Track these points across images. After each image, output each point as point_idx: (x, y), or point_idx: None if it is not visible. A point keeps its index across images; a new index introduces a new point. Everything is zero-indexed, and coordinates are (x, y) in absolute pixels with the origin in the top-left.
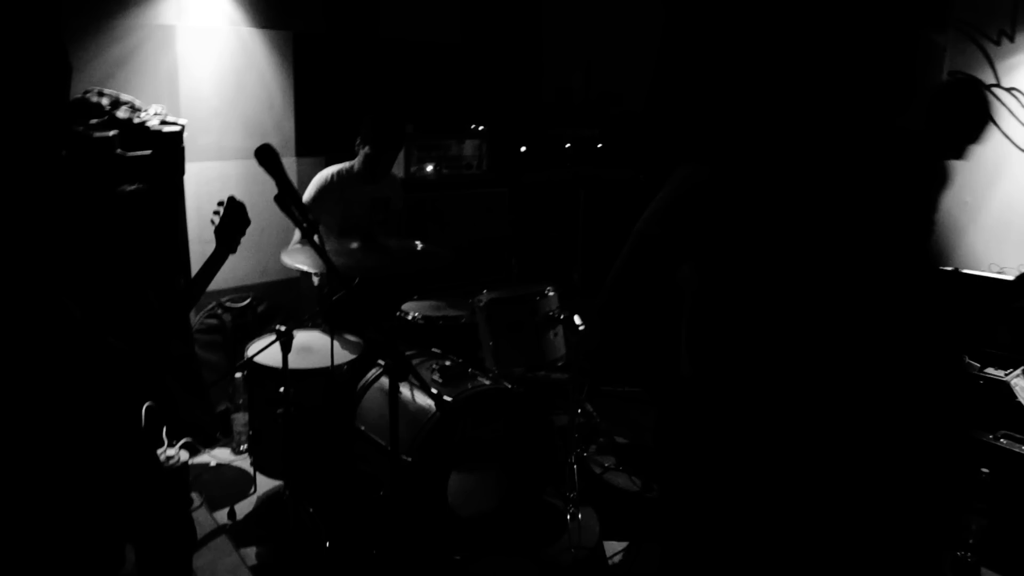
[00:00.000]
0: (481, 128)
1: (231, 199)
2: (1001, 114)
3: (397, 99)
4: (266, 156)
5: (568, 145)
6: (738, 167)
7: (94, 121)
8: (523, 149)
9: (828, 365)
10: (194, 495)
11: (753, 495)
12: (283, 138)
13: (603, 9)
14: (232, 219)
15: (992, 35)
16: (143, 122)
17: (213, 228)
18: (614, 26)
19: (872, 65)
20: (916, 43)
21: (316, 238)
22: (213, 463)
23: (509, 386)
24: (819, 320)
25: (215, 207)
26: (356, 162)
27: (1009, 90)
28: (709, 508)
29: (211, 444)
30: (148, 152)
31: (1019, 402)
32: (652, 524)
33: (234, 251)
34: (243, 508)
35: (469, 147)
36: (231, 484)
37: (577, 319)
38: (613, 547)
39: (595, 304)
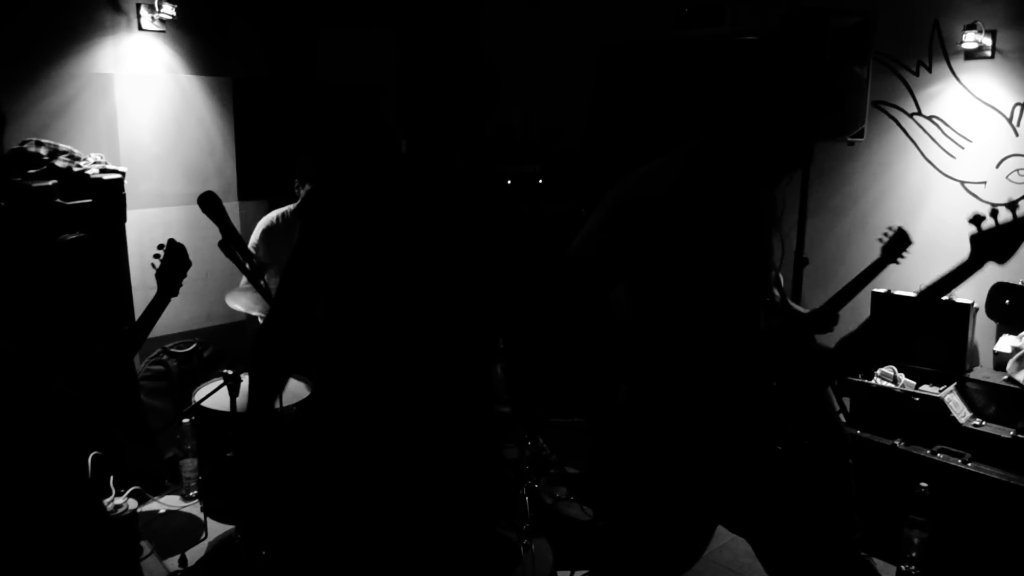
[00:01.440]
0: None
1: (171, 242)
2: (923, 141)
3: (337, 140)
4: (209, 203)
5: (509, 182)
6: (668, 188)
7: (32, 171)
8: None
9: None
10: (144, 543)
11: (689, 515)
12: (225, 182)
13: (540, 48)
14: (173, 262)
15: (911, 66)
16: (83, 170)
17: (155, 272)
18: (550, 63)
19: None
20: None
21: (262, 281)
22: (162, 510)
23: None
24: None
25: (155, 251)
26: (299, 203)
27: (930, 118)
28: (649, 526)
29: (160, 491)
30: (88, 200)
31: (953, 417)
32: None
33: (176, 294)
34: (194, 554)
35: None
36: (181, 531)
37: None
38: None
39: (527, 325)
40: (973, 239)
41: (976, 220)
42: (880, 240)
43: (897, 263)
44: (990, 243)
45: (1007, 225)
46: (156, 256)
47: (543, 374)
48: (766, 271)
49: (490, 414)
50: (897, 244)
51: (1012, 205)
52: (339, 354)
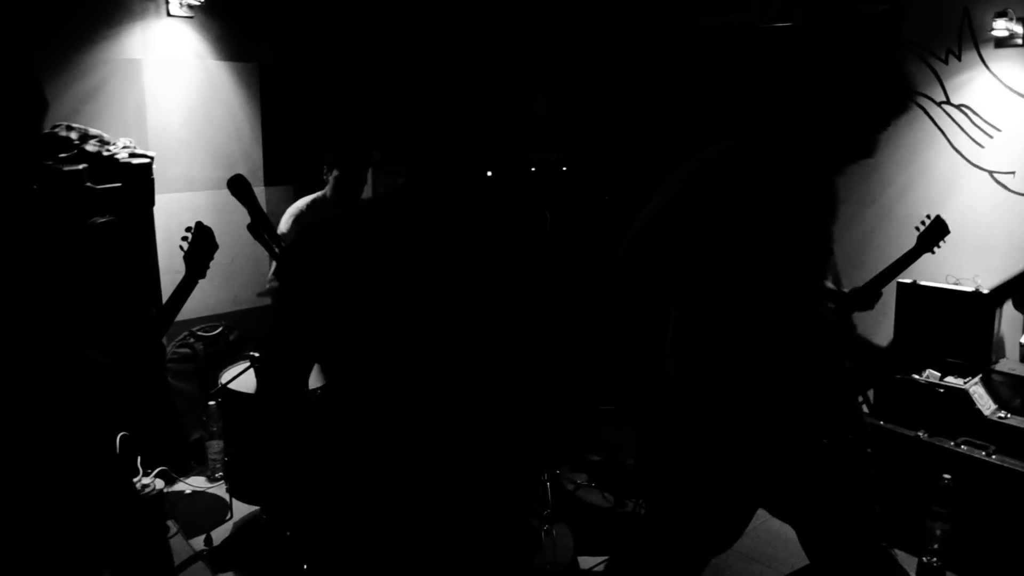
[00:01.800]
0: None
1: (199, 224)
2: (952, 130)
3: (362, 126)
4: (238, 186)
5: (533, 169)
6: (736, 170)
7: (63, 155)
8: (489, 174)
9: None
10: (170, 523)
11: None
12: (251, 168)
13: (564, 34)
14: (201, 244)
15: (940, 54)
16: (112, 155)
17: (183, 254)
18: (575, 50)
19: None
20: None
21: None
22: (188, 491)
23: None
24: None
25: (183, 233)
26: (327, 190)
27: (959, 107)
28: (695, 504)
29: (186, 472)
30: (118, 185)
31: (978, 409)
32: (633, 534)
33: (203, 276)
34: (220, 534)
35: None
36: (207, 511)
37: None
38: (588, 562)
39: (588, 305)
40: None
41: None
42: (917, 229)
43: (933, 252)
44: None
45: None
46: (184, 239)
47: (598, 358)
48: (825, 257)
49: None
50: (934, 233)
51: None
52: (354, 414)
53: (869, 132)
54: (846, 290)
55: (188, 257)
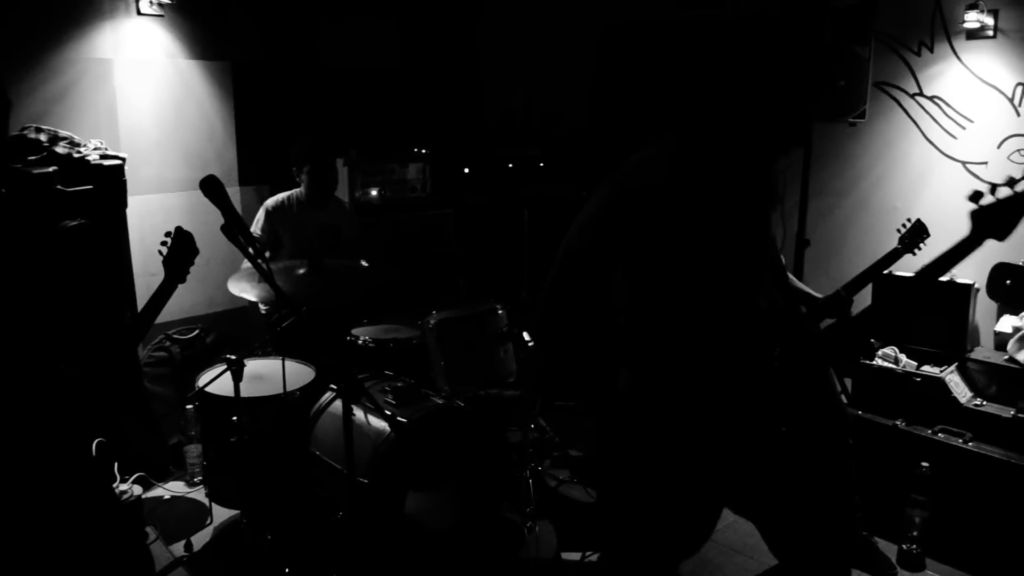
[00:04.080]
0: (424, 151)
1: (179, 229)
2: (925, 122)
3: (338, 125)
4: (211, 187)
5: (511, 165)
6: (663, 176)
7: (33, 158)
8: (467, 171)
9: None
10: (149, 529)
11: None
12: (225, 168)
13: (539, 29)
14: (180, 249)
15: (913, 46)
16: (83, 157)
17: (161, 259)
18: (551, 45)
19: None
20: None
21: (264, 265)
22: (167, 496)
23: (462, 404)
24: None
25: (163, 238)
26: (301, 189)
27: (932, 98)
28: (656, 510)
29: (164, 477)
30: (89, 187)
31: (954, 398)
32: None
33: (183, 281)
34: (200, 539)
35: (413, 170)
36: (187, 516)
37: (526, 335)
38: (571, 558)
39: (529, 322)
40: (973, 215)
41: (975, 197)
42: (898, 231)
43: (914, 254)
44: (989, 219)
45: (1006, 201)
46: (163, 243)
47: (555, 360)
48: (762, 251)
49: None
50: (915, 235)
51: (1011, 182)
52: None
53: (795, 123)
54: (819, 296)
55: (167, 262)
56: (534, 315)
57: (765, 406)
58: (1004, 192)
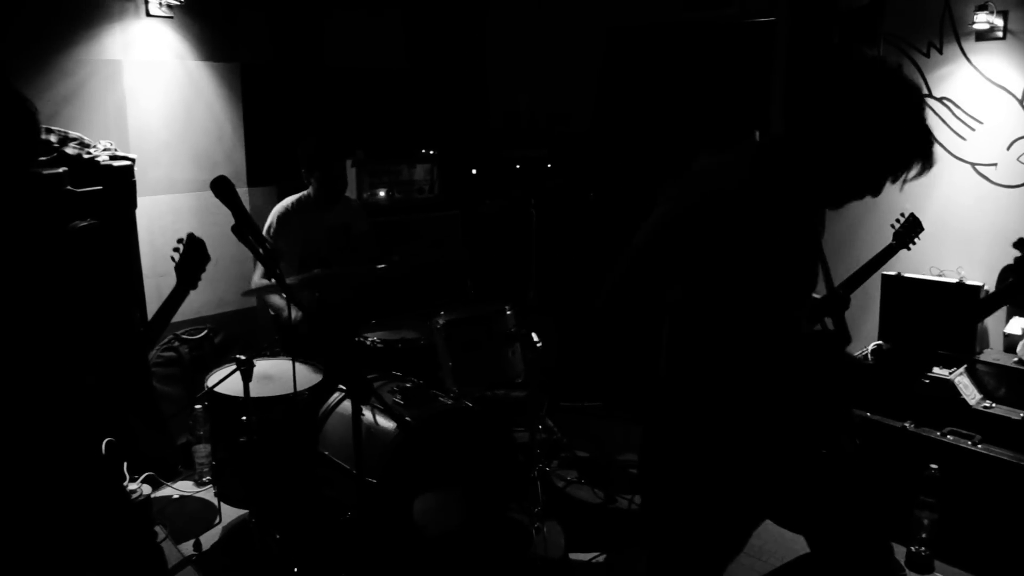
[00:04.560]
0: (432, 152)
1: (191, 236)
2: (934, 123)
3: (346, 126)
4: (222, 187)
5: (518, 166)
6: (738, 186)
7: (43, 159)
8: (474, 172)
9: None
10: (158, 528)
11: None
12: (234, 169)
13: (546, 31)
14: (192, 256)
15: (922, 48)
16: (92, 158)
17: (174, 265)
18: (558, 47)
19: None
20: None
21: (275, 267)
22: (176, 495)
23: (470, 405)
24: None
25: (175, 244)
26: (311, 189)
27: (941, 100)
28: (696, 519)
29: (173, 477)
30: (99, 188)
31: (963, 399)
32: (634, 532)
33: (195, 287)
34: (209, 539)
35: (420, 171)
36: (195, 515)
37: (534, 336)
38: (579, 558)
39: (590, 311)
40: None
41: (1020, 244)
42: (892, 226)
43: (909, 248)
44: None
45: None
46: (176, 249)
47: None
48: (813, 281)
49: None
50: (909, 230)
51: None
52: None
53: (883, 175)
54: (816, 295)
55: (180, 268)
56: (595, 310)
57: (805, 427)
58: None
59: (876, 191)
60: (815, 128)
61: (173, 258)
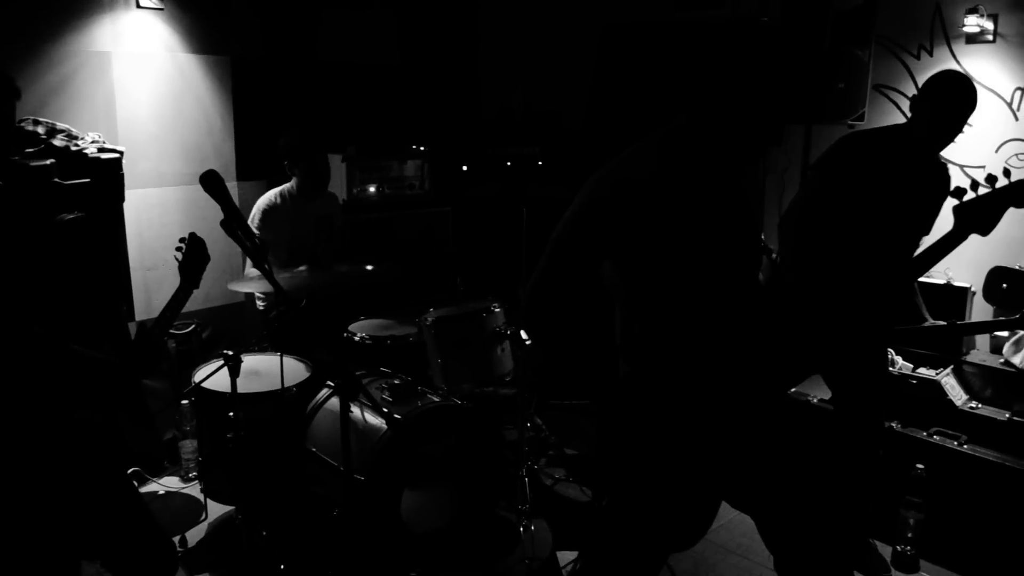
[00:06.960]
0: (423, 148)
1: (192, 235)
2: None
3: (336, 121)
4: (211, 182)
5: (509, 164)
6: (648, 173)
7: (30, 150)
8: (465, 168)
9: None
10: None
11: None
12: (223, 162)
13: (539, 28)
14: (194, 255)
15: (912, 50)
16: (80, 150)
17: (177, 265)
18: (550, 44)
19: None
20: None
21: (264, 260)
22: (162, 491)
23: (458, 402)
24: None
25: (176, 243)
26: (294, 182)
27: None
28: (655, 503)
29: (159, 473)
30: (86, 180)
31: (950, 400)
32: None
33: (197, 286)
34: (194, 535)
35: (411, 167)
36: (181, 511)
37: (523, 334)
38: (567, 557)
39: (516, 316)
40: (956, 211)
41: (958, 193)
42: None
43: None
44: (973, 215)
45: (987, 196)
46: (178, 249)
47: (553, 355)
48: (754, 244)
49: None
50: None
51: (992, 178)
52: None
53: (770, 124)
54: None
55: (183, 268)
56: (521, 305)
57: (760, 399)
58: (986, 188)
59: (769, 139)
60: (706, 99)
61: (176, 258)
